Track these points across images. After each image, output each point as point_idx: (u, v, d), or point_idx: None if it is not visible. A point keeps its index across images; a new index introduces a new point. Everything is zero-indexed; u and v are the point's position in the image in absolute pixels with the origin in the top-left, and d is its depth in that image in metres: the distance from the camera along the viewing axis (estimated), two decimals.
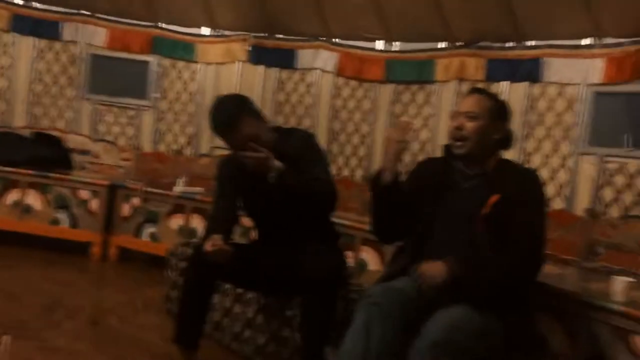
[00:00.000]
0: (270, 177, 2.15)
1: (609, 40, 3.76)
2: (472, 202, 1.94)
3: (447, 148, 2.09)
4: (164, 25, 5.14)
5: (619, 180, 3.61)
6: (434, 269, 1.86)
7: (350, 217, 3.79)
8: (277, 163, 2.16)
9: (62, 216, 4.13)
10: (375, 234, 2.25)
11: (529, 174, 2.09)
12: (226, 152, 2.51)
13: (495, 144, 2.04)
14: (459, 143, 2.00)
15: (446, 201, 2.02)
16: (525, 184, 1.96)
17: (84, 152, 4.96)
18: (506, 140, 2.07)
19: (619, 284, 2.01)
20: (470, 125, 1.98)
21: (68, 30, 5.07)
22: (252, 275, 2.40)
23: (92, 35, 5.09)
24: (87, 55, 5.08)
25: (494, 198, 1.89)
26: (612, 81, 3.68)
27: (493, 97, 2.11)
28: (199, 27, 5.15)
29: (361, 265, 3.45)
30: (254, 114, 2.27)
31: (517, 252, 1.86)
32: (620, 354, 1.94)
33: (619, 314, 1.93)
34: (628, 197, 3.57)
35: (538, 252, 1.90)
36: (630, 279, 2.03)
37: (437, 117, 4.46)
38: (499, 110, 2.06)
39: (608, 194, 3.65)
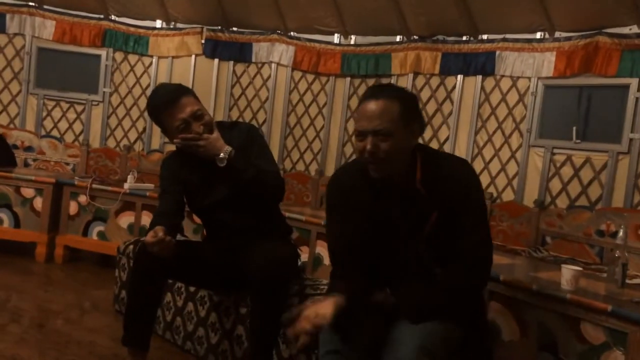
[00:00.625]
0: (219, 159, 2.15)
1: (560, 35, 3.84)
2: (409, 221, 1.74)
3: (367, 174, 1.75)
4: (115, 18, 4.98)
5: (566, 171, 3.70)
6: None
7: (305, 212, 3.75)
8: (226, 146, 2.17)
9: (4, 215, 3.93)
10: None
11: (458, 171, 1.77)
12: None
13: (412, 152, 1.75)
14: (373, 167, 1.70)
15: (383, 226, 1.76)
16: (460, 187, 1.72)
17: (29, 149, 4.76)
18: (421, 132, 1.81)
19: (568, 272, 2.04)
20: (384, 145, 1.65)
21: (14, 23, 4.86)
22: (201, 273, 2.34)
23: (39, 28, 4.89)
24: (34, 48, 4.88)
25: (433, 216, 1.71)
26: (562, 75, 3.77)
27: (399, 96, 1.72)
28: (153, 19, 5.01)
29: (317, 260, 3.42)
30: (195, 96, 2.28)
31: (467, 262, 1.72)
32: (570, 341, 1.97)
33: (569, 302, 1.96)
34: (574, 188, 3.66)
35: (486, 255, 1.76)
36: (579, 268, 2.06)
37: None
38: (410, 109, 1.72)
39: (556, 185, 3.74)
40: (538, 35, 3.96)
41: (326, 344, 1.66)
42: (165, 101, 2.19)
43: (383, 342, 1.67)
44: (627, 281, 2.41)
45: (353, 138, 1.82)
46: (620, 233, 2.14)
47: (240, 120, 4.86)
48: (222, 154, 2.15)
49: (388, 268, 1.78)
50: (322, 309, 1.62)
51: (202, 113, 2.21)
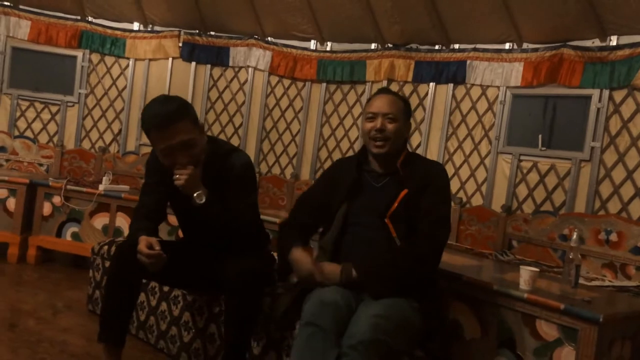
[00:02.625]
0: (194, 199, 2.14)
1: (527, 46, 3.99)
2: (384, 199, 2.06)
3: (363, 149, 2.20)
4: (92, 19, 4.98)
5: (532, 177, 3.84)
6: (329, 274, 2.00)
7: (280, 215, 3.82)
8: (202, 188, 2.14)
9: None
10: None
11: (434, 166, 2.19)
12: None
13: (405, 141, 2.19)
14: (379, 143, 2.09)
15: (359, 200, 2.11)
16: (430, 176, 2.08)
17: (1, 149, 4.73)
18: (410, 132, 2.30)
19: (526, 273, 2.14)
20: (391, 126, 2.09)
21: None
22: (176, 274, 2.37)
23: (14, 28, 4.86)
24: (9, 48, 4.85)
25: (403, 193, 2.03)
26: (529, 84, 3.91)
27: (402, 97, 2.23)
28: (130, 22, 5.03)
29: None
30: (195, 120, 2.20)
31: (423, 240, 2.00)
32: (527, 337, 2.07)
33: (525, 301, 2.06)
34: (540, 194, 3.80)
35: (441, 237, 2.03)
36: (535, 269, 2.17)
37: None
38: (408, 110, 2.20)
39: (522, 190, 3.88)
40: (507, 46, 4.10)
41: (307, 315, 1.87)
42: (157, 123, 2.10)
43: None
44: (587, 283, 2.54)
45: (360, 122, 2.40)
46: (574, 236, 2.26)
47: (219, 124, 4.91)
48: (196, 196, 2.13)
49: (356, 241, 2.08)
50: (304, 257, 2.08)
51: (193, 143, 2.13)
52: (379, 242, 2.03)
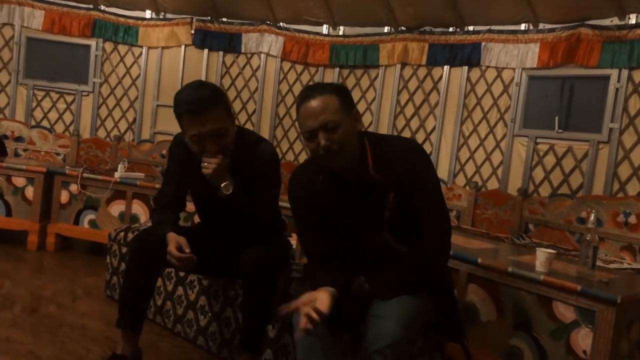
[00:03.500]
0: (221, 189, 2.13)
1: (543, 26, 3.92)
2: (372, 209, 1.81)
3: (324, 170, 1.85)
4: (105, 8, 5.00)
5: (549, 160, 3.79)
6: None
7: None
8: (229, 179, 2.12)
9: None
10: None
11: (408, 151, 1.83)
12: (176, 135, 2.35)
13: (360, 137, 1.82)
14: (333, 157, 1.75)
15: (347, 218, 1.85)
16: (409, 166, 1.78)
17: (19, 139, 4.79)
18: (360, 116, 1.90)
19: (542, 255, 2.12)
20: (336, 135, 1.72)
21: (3, 13, 4.87)
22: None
23: (28, 18, 4.90)
24: (23, 38, 4.89)
25: (390, 196, 1.78)
26: (545, 65, 3.84)
27: (332, 89, 1.80)
28: (142, 10, 5.03)
29: None
30: (228, 109, 2.18)
31: (428, 242, 1.80)
32: (543, 320, 2.06)
33: (541, 283, 2.04)
34: (556, 177, 3.75)
35: (445, 229, 1.85)
36: (552, 251, 2.15)
37: (380, 101, 4.55)
38: (346, 98, 1.79)
39: (539, 174, 3.83)
40: (522, 26, 4.03)
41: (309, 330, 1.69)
42: (190, 109, 2.06)
43: (362, 321, 1.76)
44: (605, 265, 2.52)
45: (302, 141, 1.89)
46: (592, 217, 2.23)
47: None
48: (223, 187, 2.12)
49: (358, 255, 1.85)
50: (320, 297, 1.68)
51: (224, 132, 2.10)
52: (382, 251, 1.84)
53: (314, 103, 1.74)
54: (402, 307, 1.70)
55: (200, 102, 2.05)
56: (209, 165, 2.09)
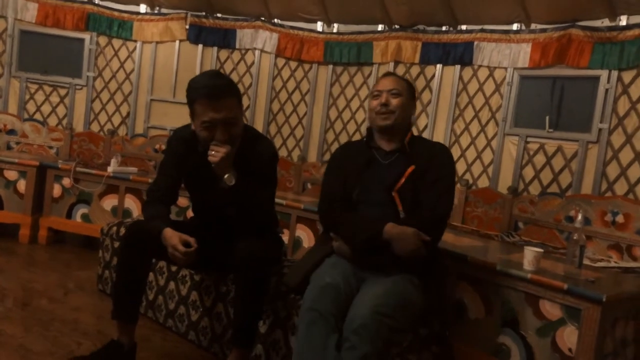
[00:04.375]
0: (224, 180, 2.14)
1: (535, 27, 3.95)
2: (391, 175, 2.12)
3: (370, 130, 2.28)
4: (99, 2, 4.98)
5: (539, 159, 3.83)
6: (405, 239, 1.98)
7: (287, 197, 3.85)
8: (233, 170, 2.14)
9: None
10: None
11: (439, 146, 2.28)
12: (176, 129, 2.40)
13: (409, 122, 2.26)
14: (384, 115, 2.17)
15: (368, 177, 2.16)
16: (436, 155, 2.16)
17: (11, 132, 4.77)
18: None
19: (530, 254, 2.16)
20: (395, 101, 2.18)
21: None
22: None
23: (21, 11, 4.88)
24: (17, 31, 4.87)
25: (410, 169, 2.10)
26: (537, 65, 3.87)
27: (406, 80, 2.35)
28: (137, 4, 5.02)
29: (296, 242, 3.53)
30: (240, 101, 2.23)
31: (426, 210, 2.05)
32: (530, 317, 2.09)
33: (528, 281, 2.08)
34: (546, 176, 3.79)
35: (444, 206, 2.09)
36: (539, 250, 2.18)
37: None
38: (413, 91, 2.31)
39: (529, 172, 3.87)
40: (515, 26, 4.05)
41: (308, 301, 1.91)
42: (207, 93, 2.10)
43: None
44: (592, 264, 2.55)
45: (368, 103, 2.35)
46: (579, 217, 2.26)
47: None
48: (226, 178, 2.13)
49: (369, 213, 2.11)
50: None
51: (235, 122, 2.16)
52: (386, 217, 2.05)
53: (394, 77, 2.28)
54: (383, 290, 1.88)
55: (217, 88, 2.11)
56: (216, 154, 2.12)
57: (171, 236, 2.11)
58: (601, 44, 3.59)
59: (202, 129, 2.14)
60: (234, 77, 4.97)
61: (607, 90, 3.56)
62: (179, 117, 4.25)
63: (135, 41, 4.99)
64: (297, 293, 2.19)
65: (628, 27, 3.50)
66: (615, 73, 3.53)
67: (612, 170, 3.51)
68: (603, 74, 3.58)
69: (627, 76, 3.50)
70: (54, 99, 4.96)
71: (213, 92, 2.10)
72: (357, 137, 4.56)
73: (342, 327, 1.85)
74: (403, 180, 2.09)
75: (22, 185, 3.97)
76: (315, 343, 1.83)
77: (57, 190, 4.00)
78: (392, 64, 4.48)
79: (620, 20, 3.60)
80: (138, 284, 2.29)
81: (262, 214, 2.31)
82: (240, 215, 2.24)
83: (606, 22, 3.64)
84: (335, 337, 1.84)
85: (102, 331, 2.57)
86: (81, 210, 3.97)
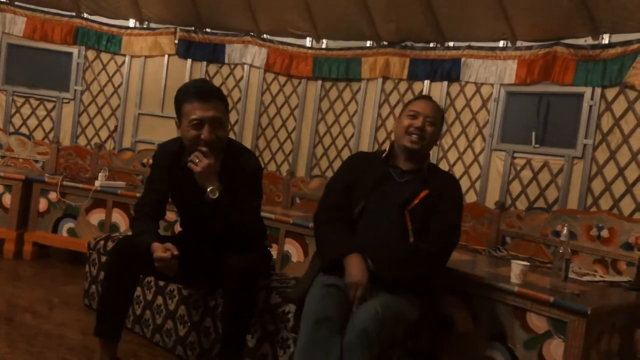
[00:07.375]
0: (208, 193, 2.13)
1: (521, 44, 4.02)
2: (405, 194, 2.13)
3: (392, 145, 2.27)
4: (88, 16, 4.99)
5: (526, 174, 3.88)
6: (354, 277, 1.96)
7: (275, 211, 3.83)
8: (217, 183, 2.13)
9: None
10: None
11: (452, 178, 2.35)
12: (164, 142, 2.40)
13: (432, 148, 2.32)
14: (415, 138, 2.17)
15: (381, 191, 2.16)
16: (449, 186, 2.21)
17: None
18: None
19: (517, 267, 2.17)
20: (429, 129, 2.20)
21: None
22: None
23: (9, 24, 4.88)
24: (4, 44, 4.86)
25: (424, 193, 2.12)
26: (523, 82, 3.94)
27: (441, 110, 2.36)
28: (126, 19, 5.04)
29: (285, 257, 3.51)
30: (227, 109, 2.27)
31: (436, 240, 2.07)
32: (517, 330, 2.10)
33: (515, 294, 2.09)
34: (533, 191, 3.84)
35: (453, 240, 2.13)
36: (526, 263, 2.20)
37: (362, 114, 4.61)
38: (442, 121, 2.35)
39: (516, 187, 3.91)
40: (501, 43, 4.13)
41: (311, 309, 1.93)
42: (197, 92, 2.16)
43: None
44: (578, 278, 2.58)
45: (401, 119, 2.27)
46: (564, 231, 2.29)
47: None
48: (209, 191, 2.12)
49: (370, 229, 2.12)
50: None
51: (223, 124, 2.18)
52: (393, 233, 2.08)
53: (434, 104, 2.27)
54: (384, 299, 1.90)
55: (207, 90, 2.19)
56: (199, 163, 2.12)
57: (156, 249, 2.10)
58: (584, 62, 3.67)
59: (190, 128, 2.15)
60: (223, 91, 4.98)
61: (590, 106, 3.63)
62: (167, 131, 4.25)
63: (124, 55, 5.00)
64: (300, 305, 2.18)
65: (610, 45, 3.59)
66: (598, 90, 3.61)
67: (597, 186, 3.57)
68: (587, 90, 3.66)
69: (610, 93, 3.58)
70: (41, 112, 4.94)
71: (202, 92, 2.16)
72: (346, 151, 4.58)
73: (345, 329, 1.87)
74: (417, 201, 2.11)
75: (7, 199, 3.93)
76: (321, 343, 1.84)
77: (43, 205, 3.96)
78: (380, 80, 4.53)
79: (602, 38, 3.69)
80: (123, 301, 2.26)
81: (248, 227, 2.30)
82: (227, 228, 2.23)
83: (589, 41, 3.73)
84: (338, 339, 1.85)
85: (88, 346, 2.53)
86: (67, 224, 3.93)
